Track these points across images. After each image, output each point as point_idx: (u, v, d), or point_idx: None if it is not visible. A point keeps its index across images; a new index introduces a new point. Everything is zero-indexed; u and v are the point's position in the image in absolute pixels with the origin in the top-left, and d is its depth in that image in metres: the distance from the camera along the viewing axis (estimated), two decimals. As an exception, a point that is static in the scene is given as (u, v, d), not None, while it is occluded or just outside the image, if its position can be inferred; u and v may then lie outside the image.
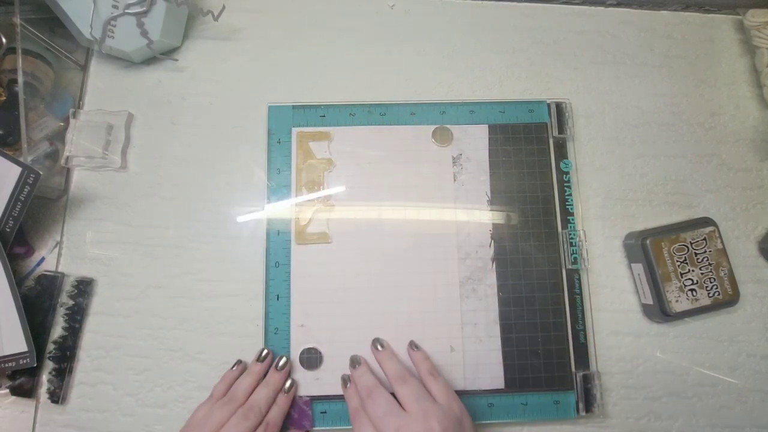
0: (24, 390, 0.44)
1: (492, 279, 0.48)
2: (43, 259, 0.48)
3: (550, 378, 0.46)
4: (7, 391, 0.44)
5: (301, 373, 0.45)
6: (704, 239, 0.47)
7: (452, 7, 0.56)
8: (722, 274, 0.47)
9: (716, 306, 0.47)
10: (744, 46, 0.56)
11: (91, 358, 0.46)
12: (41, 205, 0.49)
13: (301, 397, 0.45)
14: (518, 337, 0.47)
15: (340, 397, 0.45)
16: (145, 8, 0.47)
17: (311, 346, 0.46)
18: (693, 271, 0.46)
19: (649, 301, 0.47)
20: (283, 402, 0.43)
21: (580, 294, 0.48)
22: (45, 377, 0.45)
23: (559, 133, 0.51)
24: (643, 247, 0.47)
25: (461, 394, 0.45)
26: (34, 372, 0.45)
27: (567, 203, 0.50)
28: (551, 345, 0.47)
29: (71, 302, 0.46)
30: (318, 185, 0.49)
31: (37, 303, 0.46)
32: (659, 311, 0.46)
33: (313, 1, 0.55)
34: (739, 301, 0.47)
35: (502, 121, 0.51)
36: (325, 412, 0.45)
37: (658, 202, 0.51)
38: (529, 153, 0.51)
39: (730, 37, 0.56)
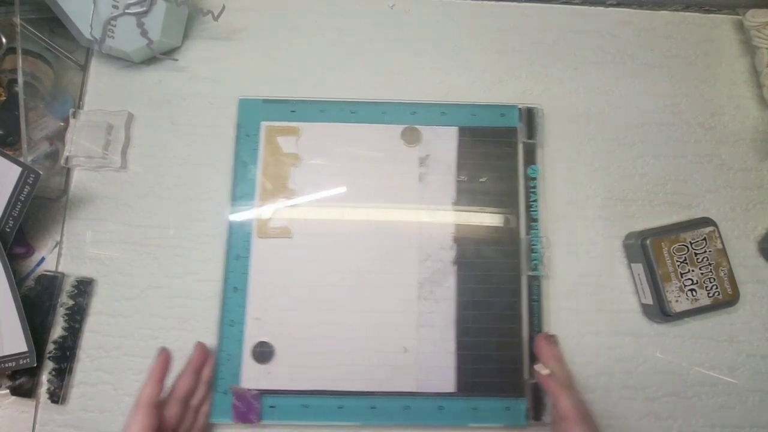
0: (24, 390, 0.44)
1: (451, 282, 0.47)
2: (43, 259, 0.48)
3: (502, 384, 0.46)
4: (7, 391, 0.44)
5: (252, 367, 0.45)
6: (704, 239, 0.47)
7: (452, 7, 0.56)
8: (722, 274, 0.47)
9: (716, 306, 0.47)
10: (744, 46, 0.56)
11: (91, 358, 0.46)
12: (41, 205, 0.49)
13: (249, 390, 0.45)
14: (473, 342, 0.46)
15: (291, 392, 0.45)
16: (145, 8, 0.47)
17: (265, 339, 0.46)
18: (693, 271, 0.46)
19: (649, 301, 0.47)
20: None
21: (538, 301, 0.47)
22: (45, 377, 0.45)
23: (529, 138, 0.50)
24: (643, 247, 0.47)
25: (412, 395, 0.45)
26: (34, 372, 0.45)
27: (531, 209, 0.49)
28: (506, 351, 0.46)
29: (71, 302, 0.46)
30: (283, 180, 0.49)
31: (37, 303, 0.46)
32: (659, 311, 0.46)
33: (313, 1, 0.55)
34: (739, 301, 0.47)
35: (473, 124, 0.51)
36: (274, 407, 0.45)
37: (658, 202, 0.51)
38: (498, 157, 0.50)
39: (730, 37, 0.56)
